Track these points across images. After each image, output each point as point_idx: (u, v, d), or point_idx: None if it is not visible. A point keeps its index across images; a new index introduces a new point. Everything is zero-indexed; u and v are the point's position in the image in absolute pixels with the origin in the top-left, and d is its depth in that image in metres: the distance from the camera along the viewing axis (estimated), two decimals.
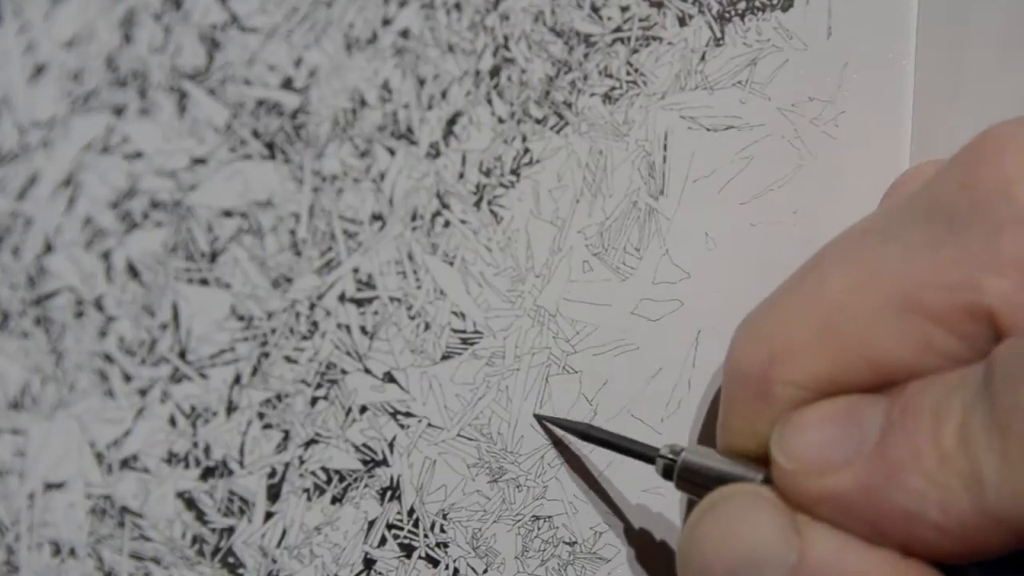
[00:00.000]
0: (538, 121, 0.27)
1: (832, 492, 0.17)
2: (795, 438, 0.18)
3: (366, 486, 0.26)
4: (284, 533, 0.26)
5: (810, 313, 0.18)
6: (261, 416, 0.26)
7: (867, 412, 0.17)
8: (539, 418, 0.25)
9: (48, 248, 0.28)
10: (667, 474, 0.21)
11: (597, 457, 0.25)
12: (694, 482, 0.21)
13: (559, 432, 0.25)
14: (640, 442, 0.23)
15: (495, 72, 0.27)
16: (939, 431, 0.16)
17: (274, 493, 0.26)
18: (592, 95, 0.26)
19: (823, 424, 0.18)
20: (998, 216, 0.16)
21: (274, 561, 0.26)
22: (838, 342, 0.18)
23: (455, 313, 0.26)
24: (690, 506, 0.24)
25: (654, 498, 0.25)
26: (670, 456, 0.21)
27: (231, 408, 0.26)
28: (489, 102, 0.27)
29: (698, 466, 0.21)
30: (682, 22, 0.26)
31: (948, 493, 0.15)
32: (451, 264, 0.26)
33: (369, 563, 0.25)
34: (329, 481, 0.26)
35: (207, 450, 0.26)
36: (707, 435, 0.25)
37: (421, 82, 0.27)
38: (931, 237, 0.17)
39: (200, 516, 0.26)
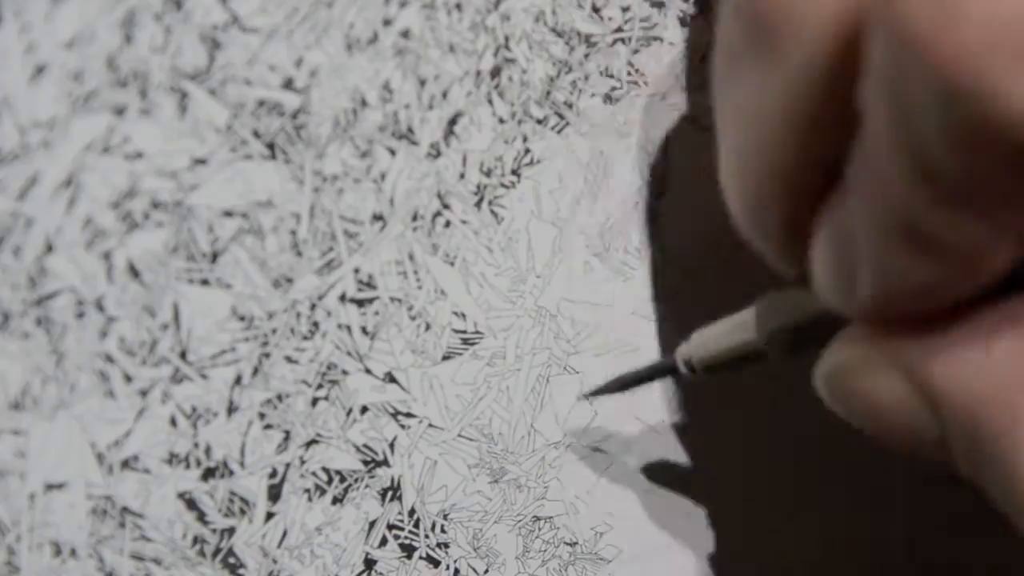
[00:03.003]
0: (539, 121, 0.27)
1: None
2: None
3: (367, 486, 0.26)
4: (285, 533, 0.26)
5: (737, 166, 0.17)
6: (262, 416, 0.26)
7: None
8: (589, 397, 0.25)
9: (49, 248, 0.28)
10: (693, 372, 0.22)
11: (597, 457, 0.25)
12: (719, 366, 0.21)
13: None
14: (656, 363, 0.23)
15: (496, 72, 0.27)
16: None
17: (275, 493, 0.26)
18: (593, 95, 0.26)
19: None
20: (796, 46, 0.14)
21: (275, 561, 0.26)
22: (769, 180, 0.16)
23: (456, 313, 0.26)
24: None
25: (654, 498, 0.25)
26: (687, 359, 0.21)
27: (232, 409, 0.26)
28: (490, 102, 0.27)
29: (711, 352, 0.21)
30: (683, 22, 0.26)
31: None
32: (452, 264, 0.26)
33: (370, 563, 0.25)
34: (330, 481, 0.26)
35: (208, 451, 0.26)
36: (709, 438, 0.25)
37: (422, 82, 0.27)
38: (758, 79, 0.16)
39: (201, 517, 0.26)
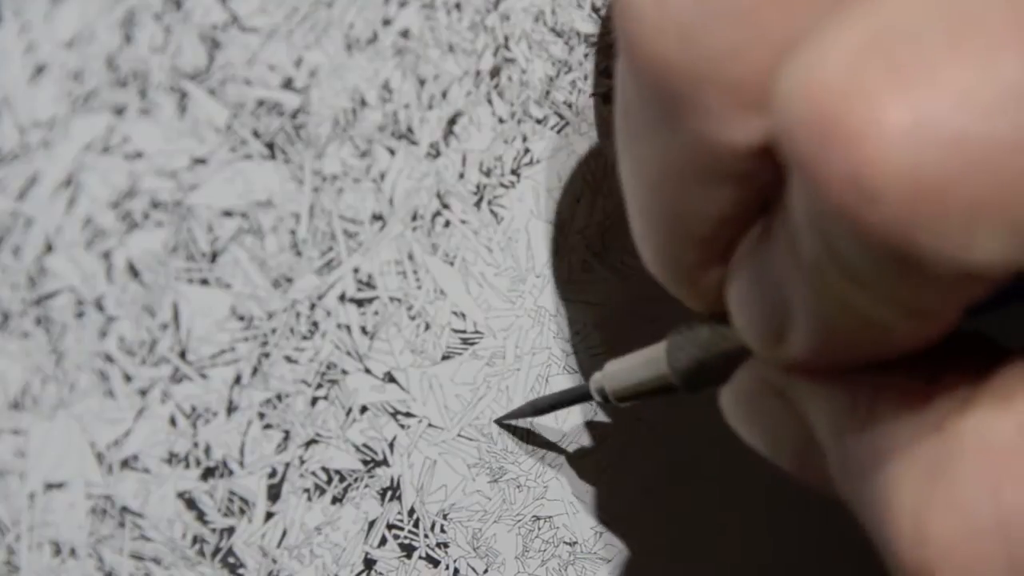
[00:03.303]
0: (538, 121, 0.27)
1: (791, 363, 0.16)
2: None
3: (366, 486, 0.26)
4: (284, 533, 0.26)
5: (644, 225, 0.17)
6: (261, 416, 0.26)
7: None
8: (500, 423, 0.25)
9: (48, 248, 0.28)
10: (607, 400, 0.22)
11: (598, 457, 0.25)
12: (631, 396, 0.22)
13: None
14: (573, 387, 0.24)
15: (495, 72, 0.27)
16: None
17: (274, 493, 0.26)
18: (592, 95, 0.26)
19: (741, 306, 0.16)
20: (686, 107, 0.14)
21: (274, 561, 0.26)
22: (675, 240, 0.16)
23: (455, 313, 0.26)
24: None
25: (654, 498, 0.25)
26: (599, 388, 0.22)
27: (231, 408, 0.26)
28: (489, 102, 0.27)
29: (624, 384, 0.21)
30: None
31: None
32: (451, 264, 0.26)
33: (369, 563, 0.25)
34: (329, 481, 0.26)
35: (207, 450, 0.26)
36: (707, 439, 0.25)
37: (421, 82, 0.27)
38: (662, 144, 0.15)
39: (200, 516, 0.26)
